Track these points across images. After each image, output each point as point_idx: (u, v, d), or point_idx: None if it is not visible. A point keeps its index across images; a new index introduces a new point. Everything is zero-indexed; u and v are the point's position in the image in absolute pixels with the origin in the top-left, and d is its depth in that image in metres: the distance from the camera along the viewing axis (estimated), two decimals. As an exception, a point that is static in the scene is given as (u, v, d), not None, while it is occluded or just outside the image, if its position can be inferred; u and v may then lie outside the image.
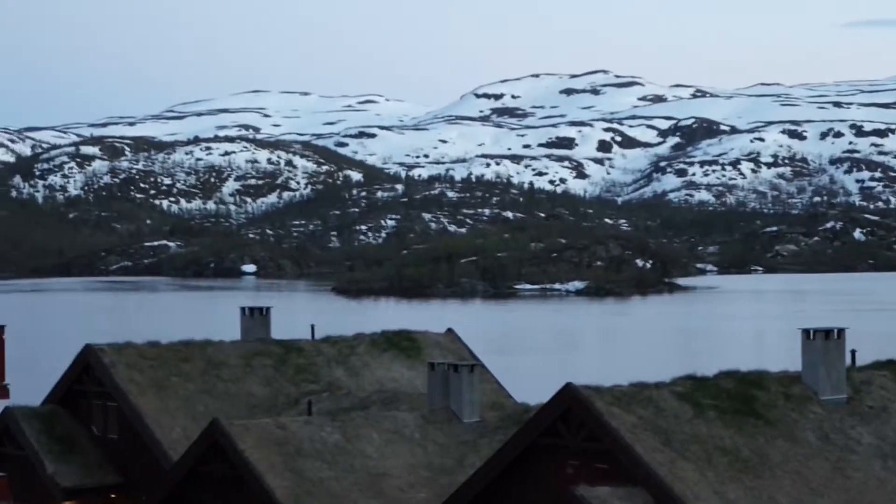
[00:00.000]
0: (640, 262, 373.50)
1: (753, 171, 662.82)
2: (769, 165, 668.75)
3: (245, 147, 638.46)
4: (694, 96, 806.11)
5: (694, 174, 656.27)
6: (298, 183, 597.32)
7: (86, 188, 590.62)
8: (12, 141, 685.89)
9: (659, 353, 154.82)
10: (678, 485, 42.70)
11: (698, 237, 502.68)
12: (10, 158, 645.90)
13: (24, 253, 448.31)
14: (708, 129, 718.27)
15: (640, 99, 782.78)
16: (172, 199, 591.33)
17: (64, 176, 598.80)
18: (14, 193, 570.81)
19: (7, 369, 38.42)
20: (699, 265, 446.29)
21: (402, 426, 55.42)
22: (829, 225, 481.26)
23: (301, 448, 52.54)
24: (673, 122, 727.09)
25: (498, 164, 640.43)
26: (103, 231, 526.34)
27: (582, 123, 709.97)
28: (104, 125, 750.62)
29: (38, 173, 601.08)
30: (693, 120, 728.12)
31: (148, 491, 57.08)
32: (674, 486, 42.50)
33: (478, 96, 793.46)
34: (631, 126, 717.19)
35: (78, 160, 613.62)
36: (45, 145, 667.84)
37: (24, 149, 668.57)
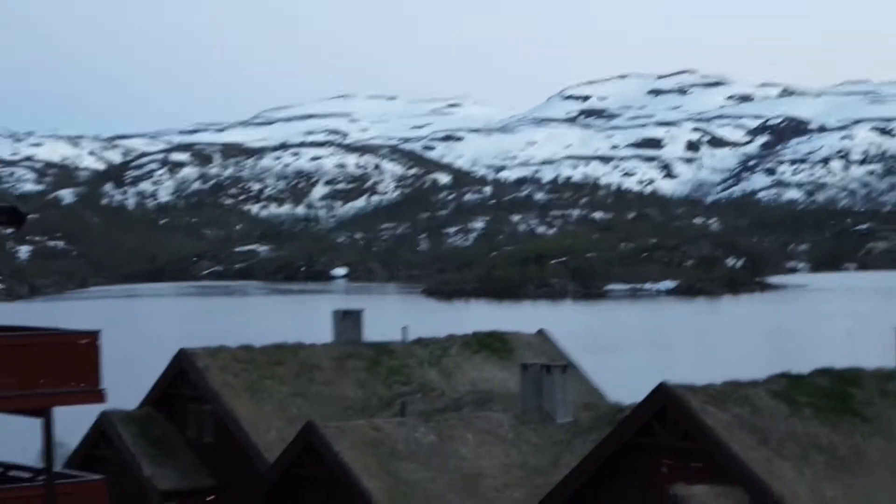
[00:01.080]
0: (730, 262, 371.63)
1: (843, 168, 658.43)
2: (859, 163, 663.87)
3: (333, 152, 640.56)
4: (782, 95, 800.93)
5: (783, 173, 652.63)
6: (387, 187, 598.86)
7: (176, 194, 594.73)
8: (103, 149, 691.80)
9: (752, 351, 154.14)
10: (775, 483, 42.42)
11: (788, 236, 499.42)
12: (102, 166, 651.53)
13: (117, 259, 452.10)
14: (796, 127, 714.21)
15: (727, 98, 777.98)
16: (262, 204, 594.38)
17: (154, 182, 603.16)
18: (106, 201, 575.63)
19: (104, 374, 38.65)
20: (790, 263, 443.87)
21: (496, 427, 55.41)
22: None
23: (396, 449, 52.64)
24: (761, 120, 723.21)
25: (586, 165, 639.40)
26: (194, 236, 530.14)
27: (670, 123, 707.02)
28: (193, 132, 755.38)
29: (128, 180, 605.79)
30: (781, 119, 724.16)
31: (243, 494, 57.37)
32: (771, 485, 42.22)
33: (564, 98, 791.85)
34: (719, 125, 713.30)
35: (168, 167, 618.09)
36: (135, 152, 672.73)
37: (115, 156, 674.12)
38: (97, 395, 38.75)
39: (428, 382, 63.80)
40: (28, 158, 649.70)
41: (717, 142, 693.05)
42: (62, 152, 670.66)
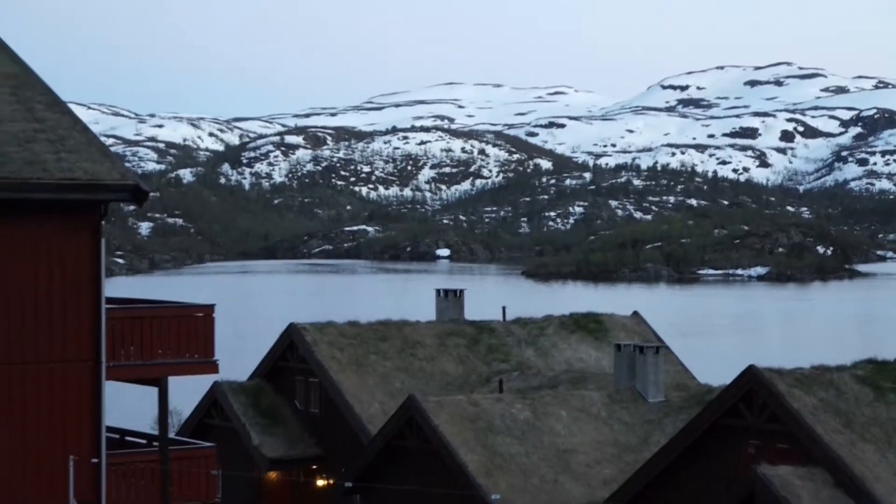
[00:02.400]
0: (820, 249, 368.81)
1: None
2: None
3: (440, 136, 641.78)
4: (876, 87, 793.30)
5: (875, 164, 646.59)
6: (490, 171, 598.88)
7: (289, 175, 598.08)
8: (221, 131, 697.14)
9: (839, 337, 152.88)
10: (858, 466, 42.22)
11: (879, 225, 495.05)
12: (220, 147, 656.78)
13: (233, 237, 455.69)
14: (890, 119, 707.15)
15: (822, 90, 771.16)
16: (371, 186, 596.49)
17: (269, 164, 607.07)
18: (223, 180, 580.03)
19: (217, 346, 39.04)
20: (879, 252, 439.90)
21: (590, 405, 55.47)
22: None
23: (492, 424, 52.82)
24: (855, 112, 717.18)
25: (683, 153, 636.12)
26: (306, 216, 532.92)
27: (765, 114, 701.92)
28: (307, 116, 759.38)
29: (245, 161, 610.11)
30: (875, 110, 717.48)
31: (347, 463, 57.76)
32: (854, 467, 42.03)
33: (664, 87, 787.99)
34: (813, 117, 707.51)
35: (283, 149, 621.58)
36: (251, 135, 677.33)
37: (233, 138, 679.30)
38: (211, 367, 39.18)
39: (525, 361, 63.92)
40: (151, 139, 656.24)
41: (811, 132, 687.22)
42: (183, 133, 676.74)
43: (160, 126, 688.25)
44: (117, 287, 37.95)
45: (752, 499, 43.06)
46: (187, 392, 56.94)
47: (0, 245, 35.80)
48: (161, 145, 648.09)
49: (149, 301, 41.62)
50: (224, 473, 41.78)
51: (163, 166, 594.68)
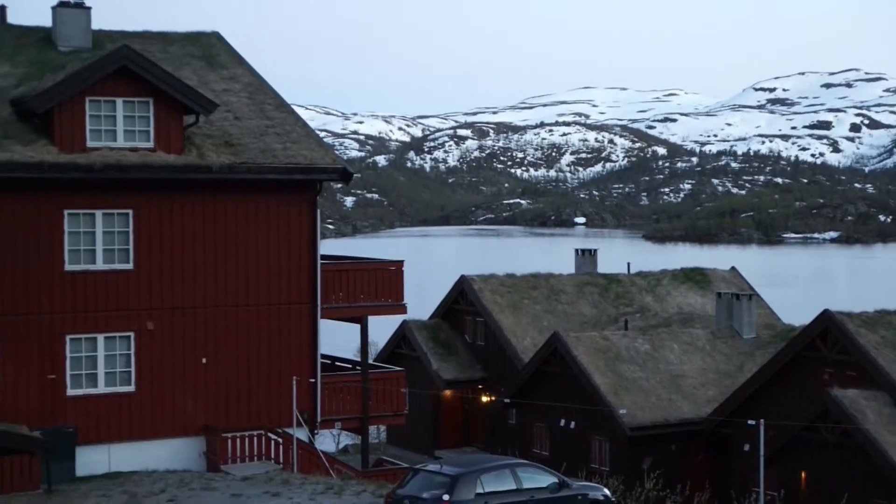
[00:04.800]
0: (882, 217, 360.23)
1: None
2: None
3: (578, 129, 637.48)
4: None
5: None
6: (617, 156, 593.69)
7: (460, 160, 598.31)
8: (408, 126, 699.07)
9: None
10: (912, 390, 41.69)
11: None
12: (407, 139, 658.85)
13: (416, 208, 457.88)
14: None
15: (884, 90, 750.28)
16: (524, 168, 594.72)
17: (445, 151, 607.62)
18: (409, 164, 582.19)
19: (405, 292, 39.32)
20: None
21: (696, 340, 55.05)
22: None
23: (619, 354, 52.68)
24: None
25: (771, 142, 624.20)
26: (473, 192, 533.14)
27: (838, 110, 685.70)
28: (475, 114, 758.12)
29: (426, 150, 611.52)
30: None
31: (505, 384, 57.99)
32: (908, 391, 41.51)
33: (755, 90, 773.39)
34: (877, 112, 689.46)
35: (455, 140, 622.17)
36: (431, 129, 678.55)
37: (417, 132, 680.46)
38: (400, 309, 39.49)
39: (645, 305, 63.62)
40: (354, 133, 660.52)
41: (875, 124, 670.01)
42: (378, 128, 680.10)
43: (361, 122, 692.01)
44: (328, 247, 38.06)
45: (826, 415, 42.54)
46: (382, 328, 57.43)
47: (240, 214, 36.42)
48: (361, 137, 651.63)
49: (353, 258, 42.07)
50: (410, 391, 42.11)
51: (363, 154, 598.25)
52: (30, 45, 38.36)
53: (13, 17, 40.16)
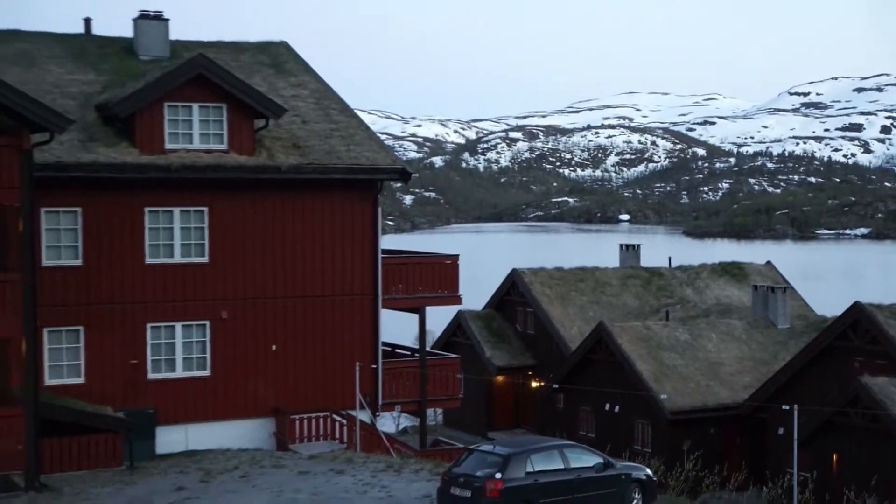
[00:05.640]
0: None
1: None
2: None
3: (622, 132, 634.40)
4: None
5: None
6: (659, 157, 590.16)
7: (512, 161, 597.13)
8: (462, 129, 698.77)
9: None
10: (939, 377, 41.20)
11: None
12: (462, 141, 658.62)
13: (471, 206, 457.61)
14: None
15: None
16: (571, 168, 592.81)
17: (497, 153, 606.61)
18: (464, 165, 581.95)
19: (460, 285, 39.36)
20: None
21: (733, 330, 54.68)
22: None
23: (661, 343, 52.43)
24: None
25: (805, 143, 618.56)
26: (524, 191, 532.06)
27: (869, 113, 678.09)
28: (525, 117, 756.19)
29: (480, 151, 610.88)
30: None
31: (553, 370, 57.90)
32: (935, 379, 41.02)
33: (790, 94, 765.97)
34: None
35: (507, 142, 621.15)
36: (484, 131, 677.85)
37: (471, 134, 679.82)
38: (456, 299, 39.54)
39: (685, 297, 63.27)
40: (412, 135, 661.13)
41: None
42: (435, 131, 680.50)
43: (419, 125, 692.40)
44: (388, 242, 38.12)
45: (856, 401, 42.17)
46: (438, 318, 57.46)
47: (307, 211, 36.61)
48: (420, 139, 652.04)
49: (411, 252, 42.15)
50: (465, 377, 42.16)
51: (421, 155, 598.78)
52: (113, 55, 38.71)
53: (97, 29, 40.60)
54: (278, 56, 41.46)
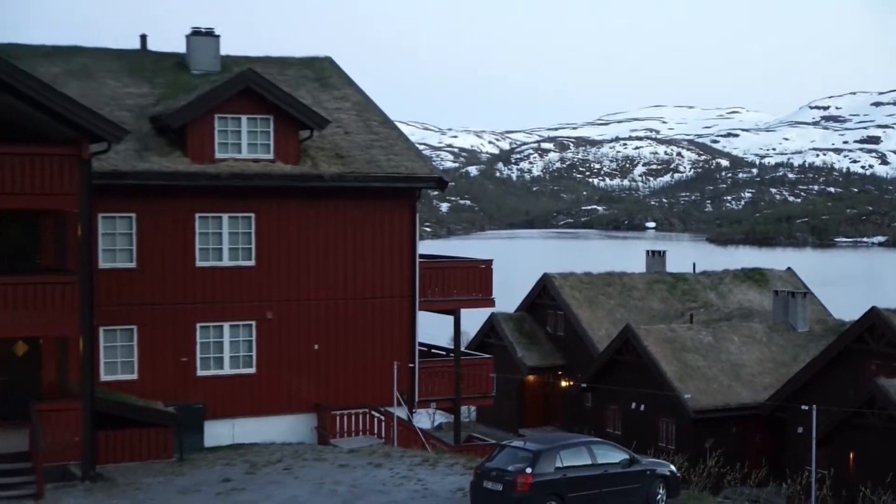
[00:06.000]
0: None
1: None
2: None
3: (649, 143, 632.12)
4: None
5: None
6: (685, 167, 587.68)
7: (544, 171, 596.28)
8: (497, 140, 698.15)
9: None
10: (952, 380, 40.77)
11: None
12: (496, 151, 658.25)
13: (504, 213, 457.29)
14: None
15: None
16: (600, 178, 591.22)
17: (530, 163, 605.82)
18: (498, 174, 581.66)
19: (494, 288, 39.34)
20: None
21: (755, 332, 54.39)
22: None
23: (685, 345, 52.21)
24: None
25: (824, 155, 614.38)
26: (555, 199, 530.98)
27: (887, 126, 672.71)
28: (556, 129, 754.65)
29: (513, 161, 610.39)
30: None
31: (582, 370, 57.76)
32: (949, 381, 40.59)
33: (811, 108, 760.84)
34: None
35: (539, 152, 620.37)
36: (518, 142, 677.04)
37: (505, 145, 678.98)
38: (489, 302, 39.52)
39: (709, 301, 62.97)
40: (448, 146, 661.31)
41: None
42: (470, 142, 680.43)
43: (455, 136, 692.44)
44: (425, 247, 38.09)
45: (872, 402, 41.86)
46: (472, 320, 57.46)
47: (349, 217, 36.69)
48: (456, 150, 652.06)
49: (447, 257, 42.14)
50: (498, 375, 42.11)
51: (457, 165, 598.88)
52: (166, 69, 38.97)
53: (152, 45, 40.88)
54: (322, 70, 41.59)
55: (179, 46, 40.13)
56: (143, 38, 40.46)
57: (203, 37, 39.34)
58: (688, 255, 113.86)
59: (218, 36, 39.56)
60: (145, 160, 33.73)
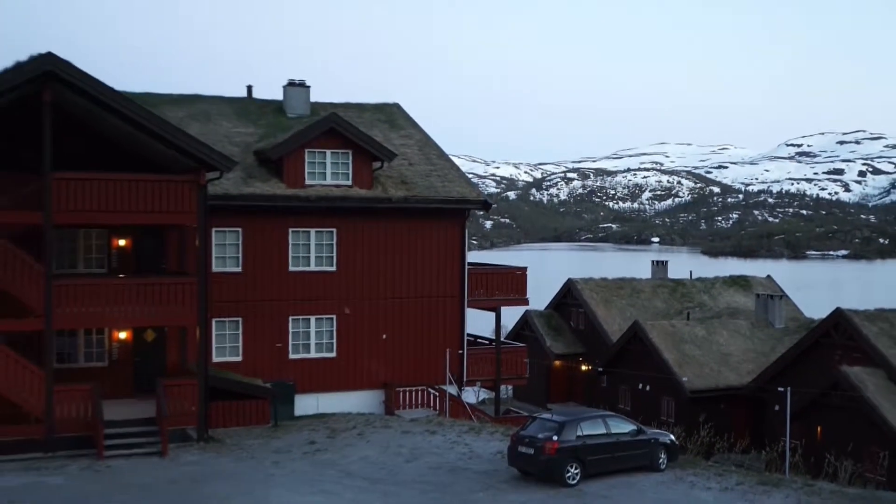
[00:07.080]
0: (882, 240, 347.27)
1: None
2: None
3: (655, 173, 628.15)
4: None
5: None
6: (684, 193, 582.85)
7: (569, 195, 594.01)
8: (531, 170, 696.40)
9: (894, 293, 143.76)
10: (903, 368, 40.04)
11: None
12: (530, 179, 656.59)
13: (537, 230, 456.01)
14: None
15: (885, 146, 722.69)
16: (614, 201, 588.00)
17: (557, 189, 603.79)
18: (531, 198, 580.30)
19: (528, 290, 39.23)
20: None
21: (740, 328, 53.78)
22: None
23: (683, 338, 51.74)
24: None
25: (798, 183, 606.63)
26: (577, 218, 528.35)
27: (849, 160, 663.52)
28: (579, 161, 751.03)
29: (544, 187, 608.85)
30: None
31: (599, 357, 57.37)
32: (900, 369, 39.89)
33: (787, 145, 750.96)
34: (879, 162, 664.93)
35: (565, 180, 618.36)
36: (548, 172, 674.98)
37: (537, 174, 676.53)
38: (524, 301, 39.41)
39: (702, 302, 62.35)
40: (491, 175, 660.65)
41: (877, 171, 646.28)
42: (510, 172, 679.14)
43: (497, 168, 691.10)
44: (472, 256, 38.00)
45: (836, 385, 41.27)
46: (510, 315, 57.29)
47: (411, 232, 36.74)
48: (497, 178, 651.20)
49: (490, 265, 42.12)
50: (531, 361, 41.92)
51: (498, 190, 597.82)
52: (267, 113, 39.30)
53: (257, 93, 41.25)
54: (391, 114, 41.76)
55: (278, 94, 40.49)
56: (249, 88, 40.84)
57: (297, 87, 39.64)
58: (686, 265, 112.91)
59: (308, 87, 39.83)
60: (250, 185, 34.04)
